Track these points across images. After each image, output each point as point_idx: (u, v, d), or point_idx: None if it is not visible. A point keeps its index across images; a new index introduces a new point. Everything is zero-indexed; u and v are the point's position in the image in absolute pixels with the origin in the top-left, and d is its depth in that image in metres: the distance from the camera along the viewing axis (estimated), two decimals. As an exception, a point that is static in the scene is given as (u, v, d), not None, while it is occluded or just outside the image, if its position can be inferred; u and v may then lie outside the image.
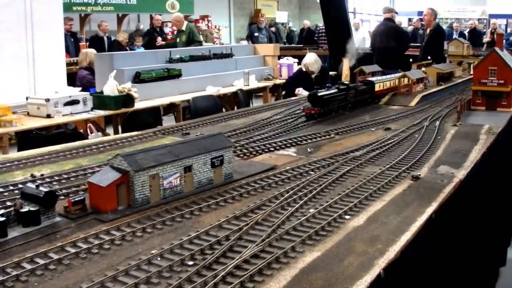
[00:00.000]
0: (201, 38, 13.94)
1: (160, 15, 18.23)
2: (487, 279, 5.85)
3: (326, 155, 4.81)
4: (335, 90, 6.69)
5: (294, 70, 11.83)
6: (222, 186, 3.89)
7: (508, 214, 6.85)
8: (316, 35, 21.94)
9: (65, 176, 4.13)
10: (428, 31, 14.18)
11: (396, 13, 14.51)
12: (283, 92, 10.85)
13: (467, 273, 4.85)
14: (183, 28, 13.40)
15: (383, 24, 14.20)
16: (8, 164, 4.48)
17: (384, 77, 8.04)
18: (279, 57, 13.17)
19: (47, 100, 7.19)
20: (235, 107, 10.53)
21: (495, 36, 17.28)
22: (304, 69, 9.67)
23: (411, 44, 16.56)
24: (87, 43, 15.73)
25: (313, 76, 9.52)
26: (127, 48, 15.25)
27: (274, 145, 5.21)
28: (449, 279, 4.15)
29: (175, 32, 14.23)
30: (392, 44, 13.35)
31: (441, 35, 13.61)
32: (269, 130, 5.85)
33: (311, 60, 9.53)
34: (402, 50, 13.59)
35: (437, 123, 6.19)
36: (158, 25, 17.37)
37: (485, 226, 5.54)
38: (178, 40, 13.59)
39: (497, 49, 7.55)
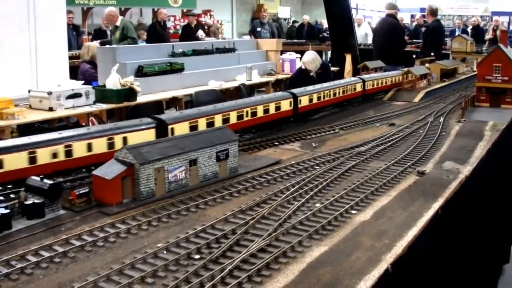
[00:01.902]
0: (135, 35, 12.67)
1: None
2: (490, 276, 5.83)
3: (331, 150, 4.79)
4: None
5: (297, 66, 11.78)
6: (227, 180, 3.87)
7: (512, 211, 6.83)
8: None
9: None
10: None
11: (398, 10, 14.42)
12: None
13: (472, 270, 4.83)
14: (117, 23, 12.08)
15: (384, 20, 14.18)
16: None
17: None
18: (282, 52, 13.13)
19: (50, 93, 7.14)
20: (238, 102, 10.45)
21: (497, 33, 17.24)
22: (303, 67, 9.63)
23: (414, 40, 16.53)
24: (89, 37, 15.66)
25: (311, 74, 9.45)
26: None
27: (279, 139, 5.19)
28: (454, 275, 4.13)
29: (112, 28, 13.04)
30: (390, 40, 13.33)
31: (432, 30, 13.53)
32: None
33: (309, 58, 9.44)
34: (399, 46, 13.51)
35: (442, 119, 6.18)
36: (164, 19, 17.27)
37: (489, 222, 5.51)
38: (112, 37, 12.31)
39: (501, 45, 7.52)
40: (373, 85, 7.72)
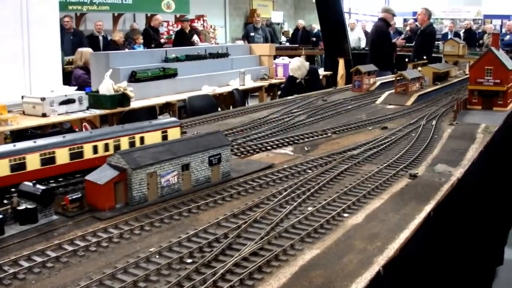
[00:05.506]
0: None
1: (155, 14, 18.19)
2: (484, 278, 5.86)
3: (323, 153, 4.80)
4: None
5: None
6: (219, 185, 3.88)
7: (505, 213, 6.87)
8: None
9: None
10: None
11: (394, 15, 14.38)
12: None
13: (465, 272, 4.85)
14: None
15: (374, 24, 14.31)
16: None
17: None
18: (275, 57, 13.18)
19: (43, 99, 7.16)
20: (231, 107, 10.52)
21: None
22: (291, 74, 9.68)
23: (407, 44, 16.58)
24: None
25: (298, 81, 9.46)
26: (125, 48, 15.20)
27: (271, 143, 5.20)
28: (447, 278, 4.15)
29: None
30: (375, 43, 13.41)
31: (429, 34, 13.59)
32: (266, 129, 5.83)
33: (294, 66, 9.49)
34: (385, 49, 13.54)
35: (434, 122, 6.20)
36: (157, 26, 17.31)
37: (482, 224, 5.54)
38: None
39: (493, 48, 7.57)
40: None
